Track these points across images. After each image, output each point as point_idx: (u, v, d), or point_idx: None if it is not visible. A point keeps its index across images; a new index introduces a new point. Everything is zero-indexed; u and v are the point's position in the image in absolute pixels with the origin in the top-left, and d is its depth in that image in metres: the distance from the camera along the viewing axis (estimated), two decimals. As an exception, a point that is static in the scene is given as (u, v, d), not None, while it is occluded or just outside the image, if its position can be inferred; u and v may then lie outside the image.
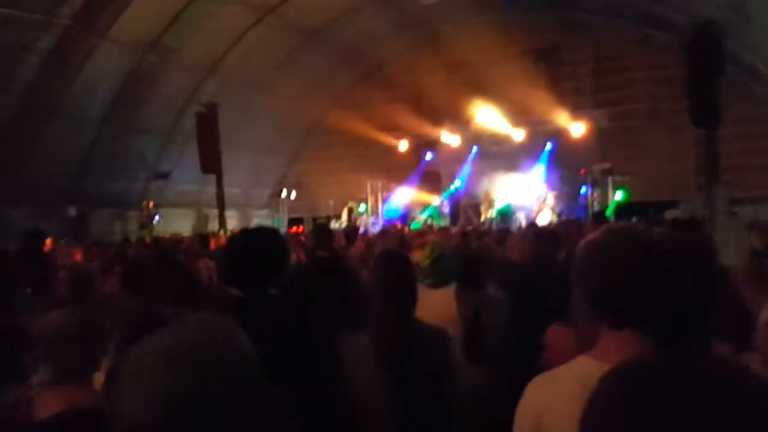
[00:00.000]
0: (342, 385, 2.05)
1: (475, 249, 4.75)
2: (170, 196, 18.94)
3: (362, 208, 19.86)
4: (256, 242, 2.25)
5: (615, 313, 1.49)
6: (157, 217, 17.46)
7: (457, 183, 19.69)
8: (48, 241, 6.28)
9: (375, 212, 20.27)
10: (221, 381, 1.00)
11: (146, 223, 16.95)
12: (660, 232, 4.43)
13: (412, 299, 2.78)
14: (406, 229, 12.04)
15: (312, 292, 2.39)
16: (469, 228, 12.40)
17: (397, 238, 5.39)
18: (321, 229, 5.53)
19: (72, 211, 15.11)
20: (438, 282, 3.59)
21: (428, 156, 20.51)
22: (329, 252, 4.87)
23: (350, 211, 18.69)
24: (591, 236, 1.58)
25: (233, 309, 2.06)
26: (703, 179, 14.22)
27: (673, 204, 15.48)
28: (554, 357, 2.54)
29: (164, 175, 18.46)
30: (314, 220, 19.64)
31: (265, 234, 2.35)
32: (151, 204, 17.39)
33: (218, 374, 1.00)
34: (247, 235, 2.38)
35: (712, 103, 11.98)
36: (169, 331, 1.05)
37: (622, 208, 16.22)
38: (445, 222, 17.82)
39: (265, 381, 1.08)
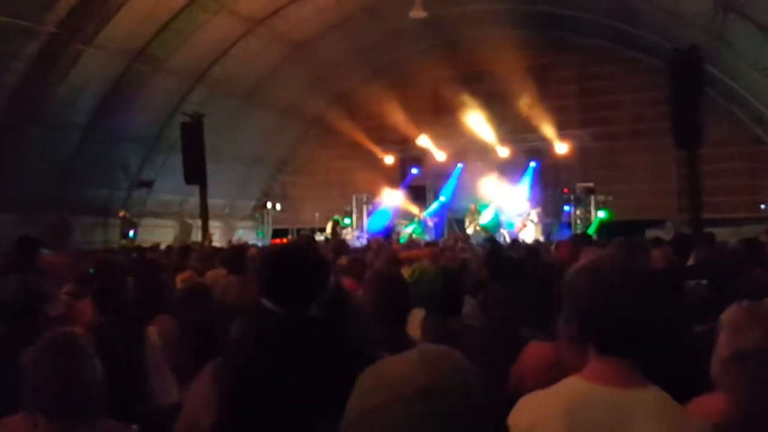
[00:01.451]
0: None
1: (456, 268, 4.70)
2: (153, 205, 18.79)
3: (347, 221, 19.83)
4: (303, 257, 2.11)
5: (604, 339, 1.52)
6: (132, 232, 17.27)
7: (442, 198, 19.76)
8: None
9: (360, 226, 20.25)
10: (473, 426, 0.92)
11: (126, 233, 16.78)
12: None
13: (405, 320, 2.78)
14: (394, 243, 12.02)
15: (350, 313, 2.32)
16: (458, 246, 12.41)
17: (390, 255, 5.35)
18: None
19: (54, 218, 14.90)
20: (421, 303, 3.49)
21: (414, 170, 20.57)
22: None
23: (335, 224, 18.64)
24: (584, 262, 1.62)
25: (273, 326, 2.01)
26: (685, 200, 14.46)
27: (655, 223, 15.68)
28: (528, 369, 2.74)
29: (147, 184, 18.31)
30: (299, 232, 19.57)
31: (309, 249, 2.27)
32: (121, 213, 17.21)
33: (472, 418, 0.92)
34: (291, 246, 2.30)
35: (694, 125, 12.21)
36: (416, 361, 0.95)
37: (604, 227, 16.37)
38: (428, 237, 17.83)
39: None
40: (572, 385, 1.52)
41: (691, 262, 4.62)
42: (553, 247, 7.32)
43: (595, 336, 1.54)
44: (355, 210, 20.51)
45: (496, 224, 17.61)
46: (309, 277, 2.01)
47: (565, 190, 18.09)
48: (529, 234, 16.97)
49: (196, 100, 17.52)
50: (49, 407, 1.92)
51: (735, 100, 16.78)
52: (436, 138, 19.65)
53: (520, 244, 11.32)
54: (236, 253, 5.51)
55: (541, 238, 16.33)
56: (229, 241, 18.64)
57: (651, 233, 13.81)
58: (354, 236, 18.33)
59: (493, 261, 5.28)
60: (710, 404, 1.89)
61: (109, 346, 2.50)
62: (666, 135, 13.89)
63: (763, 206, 16.06)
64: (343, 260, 6.07)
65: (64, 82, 14.28)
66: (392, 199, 19.94)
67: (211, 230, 17.65)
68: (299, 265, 2.03)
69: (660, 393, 1.47)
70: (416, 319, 3.32)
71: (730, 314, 1.92)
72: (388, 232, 18.31)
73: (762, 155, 16.91)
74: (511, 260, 5.39)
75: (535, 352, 2.89)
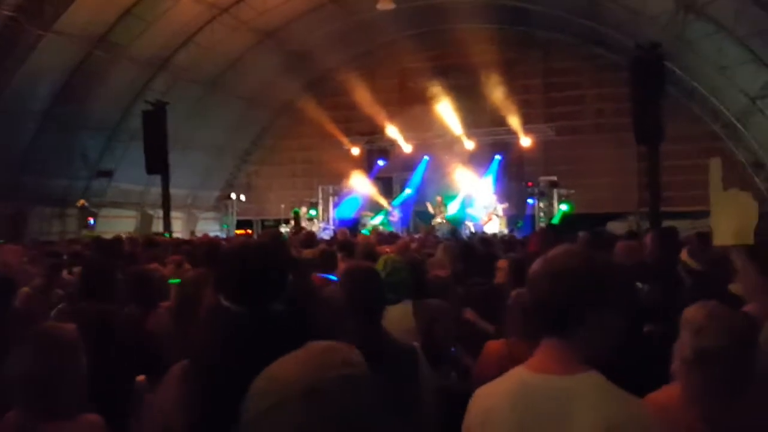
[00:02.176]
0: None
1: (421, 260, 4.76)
2: (113, 195, 18.36)
3: (313, 212, 19.73)
4: (263, 252, 2.12)
5: (543, 321, 1.59)
6: (91, 221, 16.83)
7: (408, 191, 19.83)
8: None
9: (326, 217, 20.18)
10: (365, 415, 0.95)
11: (86, 224, 16.35)
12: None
13: (381, 315, 2.78)
14: (360, 236, 12.01)
15: (314, 306, 2.30)
16: (419, 236, 12.49)
17: (366, 249, 5.34)
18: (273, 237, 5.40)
19: (10, 209, 14.43)
20: (394, 297, 3.54)
21: (380, 162, 20.57)
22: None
23: (296, 216, 18.51)
24: (547, 255, 1.67)
25: (233, 326, 1.98)
26: (645, 193, 14.81)
27: (615, 216, 16.03)
28: (486, 366, 2.93)
29: (107, 174, 17.88)
30: (263, 223, 19.40)
31: (272, 244, 2.25)
32: (81, 202, 16.76)
33: (362, 408, 0.95)
34: (251, 244, 2.27)
35: (654, 121, 12.49)
36: (303, 361, 0.98)
37: (567, 220, 16.66)
38: (393, 228, 17.88)
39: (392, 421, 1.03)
40: (517, 375, 1.59)
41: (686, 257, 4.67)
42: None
43: (538, 318, 1.60)
44: (321, 201, 20.42)
45: (462, 217, 17.76)
46: (271, 274, 1.98)
47: (529, 184, 18.34)
48: (494, 227, 17.17)
49: (159, 88, 17.14)
50: (30, 400, 1.92)
51: (694, 98, 17.23)
52: (403, 130, 19.69)
53: (493, 237, 11.48)
54: (210, 248, 5.42)
55: (506, 231, 16.56)
56: (192, 233, 18.37)
57: (612, 226, 14.15)
58: (320, 228, 18.25)
59: (468, 255, 5.34)
60: (666, 397, 1.97)
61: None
62: (627, 130, 14.17)
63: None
64: (312, 253, 6.04)
65: (21, 69, 13.80)
66: (361, 186, 19.90)
67: (173, 221, 17.34)
68: (261, 263, 1.99)
69: (599, 377, 1.50)
70: (397, 311, 3.36)
71: (690, 314, 1.97)
72: (354, 224, 18.29)
73: (718, 151, 17.36)
74: (487, 254, 5.45)
75: (490, 350, 3.06)
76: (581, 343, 1.53)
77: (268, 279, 1.96)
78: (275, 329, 1.93)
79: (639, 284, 3.86)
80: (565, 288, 1.54)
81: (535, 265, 1.62)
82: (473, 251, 5.70)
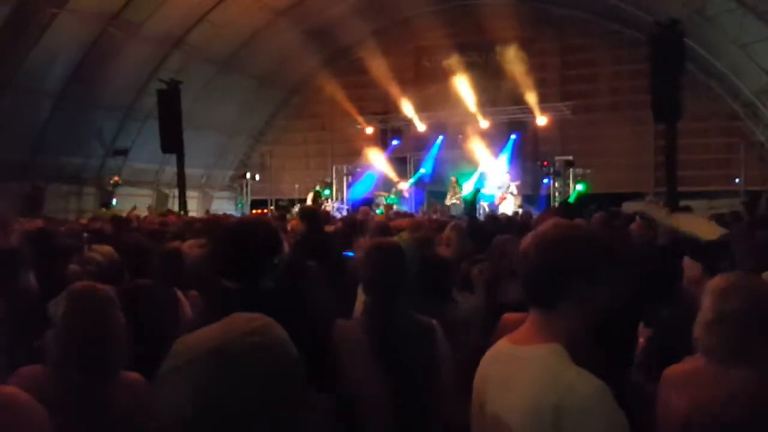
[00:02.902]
0: (340, 379, 2.04)
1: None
2: (128, 173, 18.46)
3: (327, 192, 19.74)
4: (250, 231, 2.16)
5: (528, 292, 1.63)
6: (114, 201, 16.98)
7: (422, 170, 19.74)
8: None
9: (340, 197, 20.18)
10: (269, 385, 0.98)
11: (107, 202, 16.45)
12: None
13: (402, 291, 2.79)
14: (373, 215, 12.01)
15: (307, 284, 2.33)
16: (435, 216, 12.45)
17: (380, 227, 5.34)
18: (311, 214, 5.40)
19: (26, 187, 14.57)
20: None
21: (395, 141, 20.47)
22: (320, 237, 4.80)
23: (316, 195, 18.54)
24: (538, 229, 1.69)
25: (226, 301, 2.01)
26: (662, 173, 14.65)
27: (632, 196, 15.87)
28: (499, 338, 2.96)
29: (122, 152, 17.97)
30: (277, 203, 19.44)
31: (259, 222, 2.29)
32: (116, 179, 16.88)
33: (267, 378, 0.98)
34: (240, 223, 2.30)
35: (673, 99, 12.32)
36: (219, 328, 1.02)
37: (582, 199, 16.54)
38: (405, 208, 17.83)
39: (310, 390, 1.06)
40: (497, 345, 1.71)
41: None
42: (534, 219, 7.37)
43: (525, 292, 1.65)
44: (335, 181, 20.41)
45: (477, 197, 17.67)
46: (258, 251, 2.01)
47: (545, 163, 18.18)
48: (509, 207, 17.07)
49: (173, 67, 17.12)
50: (79, 358, 1.96)
51: (713, 75, 16.93)
52: (418, 109, 19.55)
53: (505, 216, 11.39)
54: (213, 223, 5.45)
55: (520, 211, 16.46)
56: (207, 212, 18.46)
57: (627, 206, 14.01)
58: (334, 207, 18.26)
59: (476, 233, 5.32)
60: (688, 364, 2.05)
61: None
62: (644, 108, 14.00)
63: (737, 180, 16.33)
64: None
65: (36, 48, 13.82)
66: (376, 165, 19.85)
67: (188, 200, 17.44)
68: (248, 240, 2.05)
69: (550, 349, 1.51)
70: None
71: (716, 282, 2.04)
72: (368, 203, 18.26)
73: (737, 130, 17.16)
74: (495, 234, 5.42)
75: (507, 322, 3.01)
76: (565, 317, 1.54)
77: (257, 255, 2.00)
78: (265, 306, 1.95)
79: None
80: (547, 260, 1.55)
81: (525, 240, 1.64)
82: (481, 230, 5.68)
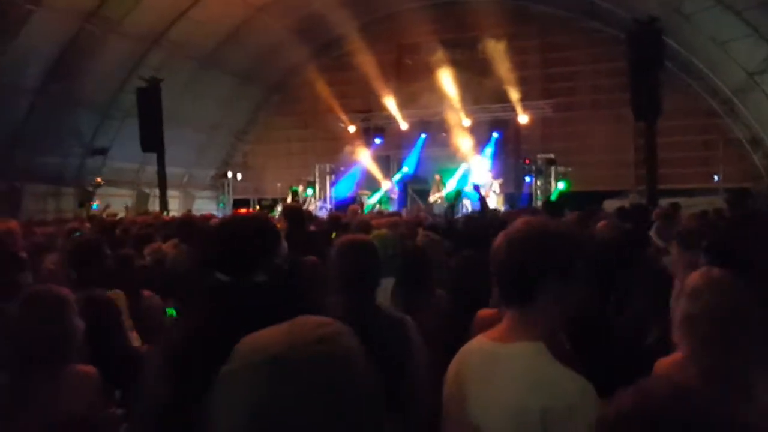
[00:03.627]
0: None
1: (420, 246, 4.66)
2: (108, 173, 18.24)
3: (309, 191, 19.66)
4: (247, 225, 2.12)
5: (501, 291, 1.65)
6: (97, 203, 16.76)
7: (405, 169, 19.74)
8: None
9: (323, 196, 20.12)
10: (335, 402, 0.87)
11: (87, 200, 16.20)
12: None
13: (375, 287, 2.77)
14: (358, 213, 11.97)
15: (304, 280, 2.30)
16: (422, 214, 12.43)
17: (361, 225, 5.31)
18: (294, 212, 5.36)
19: (2, 187, 14.34)
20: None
21: (377, 140, 20.45)
22: (303, 235, 4.76)
23: (293, 195, 18.44)
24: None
25: (218, 296, 1.98)
26: (642, 170, 14.78)
27: (613, 194, 15.98)
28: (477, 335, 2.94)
29: (101, 152, 17.76)
30: (260, 202, 19.34)
31: (256, 217, 2.26)
32: (98, 180, 16.64)
33: (334, 394, 0.87)
34: (236, 217, 2.26)
35: (652, 97, 12.42)
36: (284, 330, 0.92)
37: (564, 198, 16.63)
38: (392, 207, 17.84)
39: (382, 407, 0.94)
40: (474, 342, 1.69)
41: None
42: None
43: (500, 290, 1.66)
44: (317, 179, 20.34)
45: (459, 195, 17.69)
46: (252, 245, 1.98)
47: (527, 161, 18.27)
48: (491, 205, 17.10)
49: (153, 64, 16.95)
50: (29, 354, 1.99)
51: (692, 73, 17.11)
52: (400, 107, 19.55)
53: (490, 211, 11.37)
54: (185, 222, 5.39)
55: (503, 209, 16.51)
56: (188, 211, 18.30)
57: (609, 204, 14.11)
58: (317, 206, 18.20)
59: (459, 229, 5.32)
60: (672, 362, 2.03)
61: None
62: (625, 106, 14.11)
63: (716, 178, 16.51)
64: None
65: (12, 44, 13.61)
66: (358, 163, 19.81)
67: (169, 200, 17.28)
68: (242, 233, 2.01)
69: (533, 348, 1.51)
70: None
71: (692, 279, 2.02)
72: (352, 203, 18.22)
73: (716, 128, 17.35)
74: (478, 228, 5.43)
75: (481, 318, 3.02)
76: (541, 314, 1.54)
77: (248, 248, 1.97)
78: (257, 299, 1.92)
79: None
80: (519, 258, 1.56)
81: (497, 239, 1.65)
82: (466, 226, 5.68)
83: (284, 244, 2.07)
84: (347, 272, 2.75)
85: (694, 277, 2.01)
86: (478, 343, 1.66)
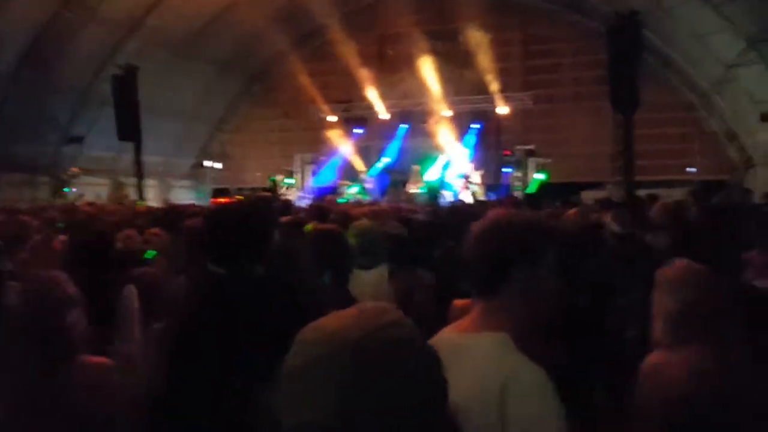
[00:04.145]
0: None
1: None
2: (84, 162, 17.95)
3: (290, 181, 19.56)
4: (245, 215, 2.06)
5: (473, 283, 1.63)
6: (73, 190, 16.51)
7: (386, 159, 19.72)
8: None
9: (303, 186, 20.03)
10: (412, 389, 0.88)
11: (59, 191, 15.98)
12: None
13: (347, 277, 2.77)
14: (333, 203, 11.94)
15: (298, 271, 2.27)
16: (403, 204, 12.44)
17: (341, 216, 5.28)
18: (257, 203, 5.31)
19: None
20: (369, 263, 3.51)
21: (358, 130, 20.39)
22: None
23: (273, 185, 18.33)
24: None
25: (215, 288, 1.94)
26: (619, 162, 14.91)
27: (591, 185, 16.13)
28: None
29: (77, 140, 17.46)
30: (240, 191, 19.19)
31: (254, 206, 2.20)
32: (75, 169, 16.36)
33: (410, 381, 0.89)
34: (233, 207, 2.21)
35: (630, 89, 12.50)
36: (348, 317, 0.92)
37: (543, 188, 16.75)
38: (370, 198, 17.82)
39: (444, 395, 0.96)
40: (442, 333, 1.65)
41: None
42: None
43: (470, 281, 1.65)
44: (299, 169, 20.24)
45: (439, 185, 17.74)
46: (251, 237, 1.94)
47: (506, 152, 18.35)
48: (468, 196, 17.18)
49: (130, 51, 16.67)
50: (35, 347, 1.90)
51: (670, 67, 17.29)
52: (382, 97, 19.49)
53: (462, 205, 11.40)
54: (170, 212, 5.32)
55: (483, 200, 16.58)
56: (165, 201, 18.11)
57: (586, 195, 14.24)
58: (297, 196, 18.11)
59: (440, 221, 5.32)
60: (659, 356, 2.00)
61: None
62: (604, 99, 14.17)
63: (692, 169, 16.73)
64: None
65: (-16, 29, 13.33)
66: (339, 154, 19.75)
67: (147, 189, 17.07)
68: (240, 225, 1.98)
69: (496, 338, 1.50)
70: (372, 276, 3.33)
71: (666, 274, 2.03)
72: (332, 192, 18.18)
73: (693, 121, 17.58)
74: (459, 219, 5.44)
75: (456, 309, 3.05)
76: (510, 304, 1.53)
77: (245, 240, 1.93)
78: (253, 291, 1.89)
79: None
80: (487, 248, 1.55)
81: (468, 231, 1.64)
82: (448, 217, 5.68)
83: (275, 232, 2.04)
84: (317, 260, 2.75)
85: (669, 271, 2.01)
86: (445, 335, 1.65)
